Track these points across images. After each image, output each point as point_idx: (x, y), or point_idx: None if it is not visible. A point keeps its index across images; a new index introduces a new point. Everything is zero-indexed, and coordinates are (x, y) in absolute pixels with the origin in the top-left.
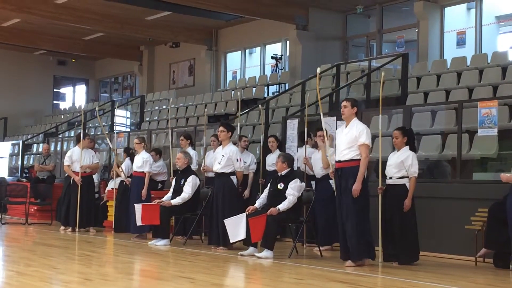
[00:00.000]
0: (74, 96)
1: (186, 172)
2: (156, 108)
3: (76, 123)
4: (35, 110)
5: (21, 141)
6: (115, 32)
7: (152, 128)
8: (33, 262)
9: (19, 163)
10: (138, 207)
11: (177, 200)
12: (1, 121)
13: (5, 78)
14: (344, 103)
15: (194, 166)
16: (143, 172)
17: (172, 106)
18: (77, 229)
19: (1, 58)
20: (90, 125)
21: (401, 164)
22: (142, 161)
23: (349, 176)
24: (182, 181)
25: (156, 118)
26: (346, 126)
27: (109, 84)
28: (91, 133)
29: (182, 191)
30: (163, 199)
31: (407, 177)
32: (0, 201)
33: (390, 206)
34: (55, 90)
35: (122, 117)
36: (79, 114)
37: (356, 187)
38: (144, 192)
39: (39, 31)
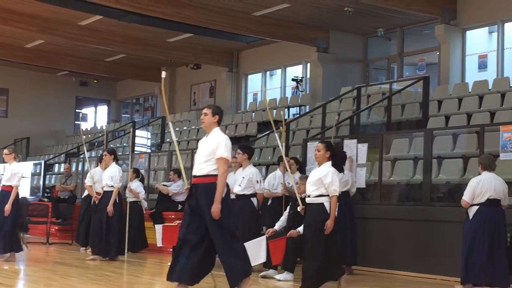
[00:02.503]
0: (96, 117)
1: None
2: (177, 129)
3: (97, 143)
4: (57, 131)
5: (43, 161)
6: (136, 54)
7: (172, 149)
8: (54, 282)
9: (41, 183)
10: (158, 228)
11: None
12: (23, 141)
13: (28, 99)
14: (204, 111)
15: (117, 184)
16: (10, 186)
17: (193, 127)
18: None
19: (25, 78)
20: (111, 145)
21: (320, 181)
22: (11, 174)
23: (203, 194)
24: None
25: (177, 139)
26: (206, 136)
27: (130, 105)
28: None
29: None
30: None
31: (327, 195)
32: (22, 221)
33: (308, 227)
34: (77, 110)
35: (143, 138)
36: (100, 134)
37: (215, 208)
38: (7, 207)
39: (62, 52)
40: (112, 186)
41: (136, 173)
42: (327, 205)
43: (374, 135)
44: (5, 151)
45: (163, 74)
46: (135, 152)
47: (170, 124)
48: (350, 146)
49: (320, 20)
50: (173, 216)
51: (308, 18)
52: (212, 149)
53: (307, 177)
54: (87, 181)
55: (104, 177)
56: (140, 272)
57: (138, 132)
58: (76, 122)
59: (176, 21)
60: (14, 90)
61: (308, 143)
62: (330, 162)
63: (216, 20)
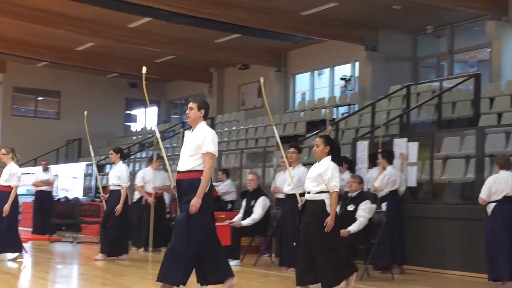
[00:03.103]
0: (145, 118)
1: (256, 193)
2: (226, 129)
3: (147, 144)
4: (108, 132)
5: (95, 162)
6: (185, 55)
7: (221, 149)
8: (107, 281)
9: (93, 183)
10: None
11: (248, 221)
12: (75, 142)
13: (79, 101)
14: (190, 105)
15: (125, 183)
16: (9, 186)
17: (242, 127)
18: (149, 249)
19: (75, 81)
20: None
21: (320, 177)
22: (9, 174)
23: (187, 189)
24: (253, 202)
25: (226, 139)
26: (192, 131)
27: (180, 106)
28: (161, 155)
29: (252, 212)
30: (233, 220)
31: (327, 191)
32: (75, 221)
33: (307, 224)
34: (126, 112)
35: None
36: (150, 135)
37: (195, 202)
38: (6, 207)
39: (111, 54)
40: (119, 185)
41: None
42: (327, 201)
43: (425, 134)
44: (3, 150)
45: (144, 69)
46: None
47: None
48: (400, 145)
49: (369, 19)
50: (223, 216)
51: (356, 17)
52: (198, 144)
53: (358, 176)
54: (138, 182)
55: (111, 176)
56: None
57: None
58: (126, 123)
59: (224, 22)
60: (65, 92)
61: (357, 142)
62: (329, 157)
63: (265, 20)
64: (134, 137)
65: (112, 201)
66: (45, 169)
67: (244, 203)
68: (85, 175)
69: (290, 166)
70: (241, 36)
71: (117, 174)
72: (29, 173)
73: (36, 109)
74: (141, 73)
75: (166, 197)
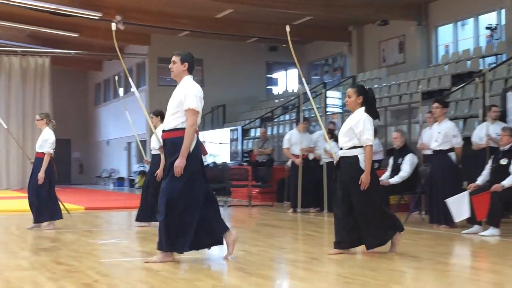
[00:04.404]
0: (287, 81)
1: (403, 151)
2: (368, 87)
3: (290, 107)
4: (250, 96)
5: (240, 127)
6: (323, 15)
7: None
8: (260, 242)
9: (239, 148)
10: None
11: (396, 179)
12: (220, 108)
13: (221, 68)
14: (173, 58)
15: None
16: (43, 153)
17: (384, 84)
18: (298, 210)
19: (216, 48)
20: (304, 108)
21: (351, 131)
22: (42, 140)
23: (171, 149)
24: (400, 159)
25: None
26: (177, 87)
27: (320, 67)
28: (305, 116)
29: (400, 170)
30: (381, 178)
31: (361, 146)
32: (224, 185)
33: (341, 184)
34: (267, 76)
35: (335, 99)
36: (292, 98)
37: (178, 163)
38: (40, 175)
39: (250, 19)
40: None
41: (330, 133)
42: (361, 157)
43: None
44: (37, 116)
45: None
46: (328, 113)
47: (130, 80)
48: None
49: None
50: None
51: None
52: (180, 100)
53: (509, 128)
54: (284, 144)
55: (152, 141)
56: None
57: (329, 93)
58: (267, 87)
59: None
60: (208, 60)
61: (507, 93)
62: (363, 108)
63: None
64: (277, 100)
65: (153, 166)
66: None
67: (391, 161)
68: (231, 140)
69: (436, 121)
70: None
71: (42, 140)
72: None
73: None
74: (280, 36)
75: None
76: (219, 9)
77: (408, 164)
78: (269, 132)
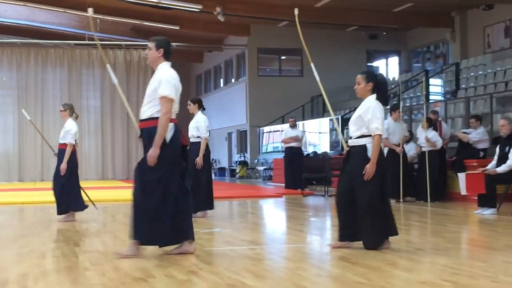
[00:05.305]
0: (387, 69)
1: (511, 139)
2: (472, 74)
3: (391, 95)
4: (350, 86)
5: (339, 116)
6: (424, 1)
7: (468, 95)
8: None
9: (339, 137)
10: (461, 176)
11: (503, 168)
12: (319, 98)
13: (321, 57)
14: (148, 45)
15: (204, 134)
16: (65, 144)
17: (489, 71)
18: (400, 200)
19: (316, 38)
20: (405, 96)
21: (360, 119)
22: (64, 132)
23: (147, 140)
24: (507, 148)
25: (472, 84)
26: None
27: (421, 54)
28: (407, 104)
29: (507, 158)
30: (487, 167)
31: (370, 135)
32: (325, 175)
33: (349, 174)
34: (368, 64)
35: (437, 86)
36: (393, 86)
37: (151, 152)
38: (62, 166)
39: (350, 8)
40: (198, 137)
41: (429, 122)
42: (370, 146)
43: None
44: (60, 107)
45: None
46: (430, 101)
47: (108, 66)
48: None
49: None
50: (475, 164)
51: None
52: (154, 87)
53: None
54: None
55: (190, 128)
56: (446, 220)
57: (431, 81)
58: None
59: None
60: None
61: None
62: (373, 96)
63: None
64: None
65: (192, 154)
66: (293, 126)
67: (497, 149)
68: (331, 130)
69: None
70: None
71: (196, 125)
72: (278, 131)
73: (280, 68)
74: (381, 23)
75: (410, 148)
76: None
77: None
78: None
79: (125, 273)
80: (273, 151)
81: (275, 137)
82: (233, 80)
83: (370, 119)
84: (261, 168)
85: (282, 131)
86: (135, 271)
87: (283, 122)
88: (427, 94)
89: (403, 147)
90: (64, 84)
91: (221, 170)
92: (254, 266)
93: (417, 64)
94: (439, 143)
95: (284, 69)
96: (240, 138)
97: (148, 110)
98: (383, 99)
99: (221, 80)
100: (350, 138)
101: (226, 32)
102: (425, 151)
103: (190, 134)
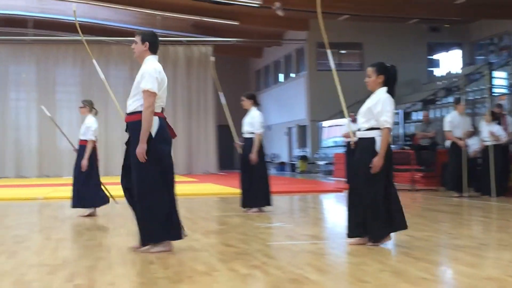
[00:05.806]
0: (449, 62)
1: None
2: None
3: (454, 89)
4: (411, 79)
5: (401, 111)
6: None
7: None
8: (425, 227)
9: (401, 131)
10: None
11: None
12: None
13: (381, 51)
14: (135, 38)
15: (258, 130)
16: (86, 140)
17: None
18: (464, 194)
19: (376, 31)
20: (468, 89)
21: (369, 112)
22: (84, 128)
23: (131, 134)
24: None
25: None
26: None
27: (485, 46)
28: (469, 98)
29: None
30: None
31: (379, 128)
32: None
33: (356, 166)
34: (428, 57)
35: (501, 79)
36: (455, 79)
37: (138, 149)
38: (84, 162)
39: (411, 0)
40: (252, 132)
41: (493, 116)
42: (378, 139)
43: None
44: (80, 104)
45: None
46: (494, 94)
47: (94, 61)
48: None
49: None
50: None
51: None
52: (137, 81)
53: None
54: (446, 127)
55: (244, 123)
56: (511, 215)
57: (495, 74)
58: (428, 69)
59: None
60: (367, 43)
61: None
62: (384, 89)
63: None
64: (439, 82)
65: (246, 150)
66: (353, 121)
67: None
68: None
69: None
70: None
71: (250, 121)
72: (338, 125)
73: (339, 62)
74: (443, 15)
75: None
76: None
77: None
78: (431, 115)
79: (189, 267)
80: (334, 146)
81: (335, 132)
82: (292, 75)
83: (379, 112)
84: (321, 162)
85: (342, 125)
86: (199, 265)
87: (343, 117)
88: (491, 87)
89: (465, 141)
90: (128, 80)
91: (281, 165)
92: (317, 261)
93: (480, 57)
94: (503, 137)
95: (343, 63)
96: (300, 132)
97: (132, 104)
98: (391, 91)
99: (281, 75)
100: (359, 130)
101: (285, 27)
102: (488, 146)
103: (244, 129)
